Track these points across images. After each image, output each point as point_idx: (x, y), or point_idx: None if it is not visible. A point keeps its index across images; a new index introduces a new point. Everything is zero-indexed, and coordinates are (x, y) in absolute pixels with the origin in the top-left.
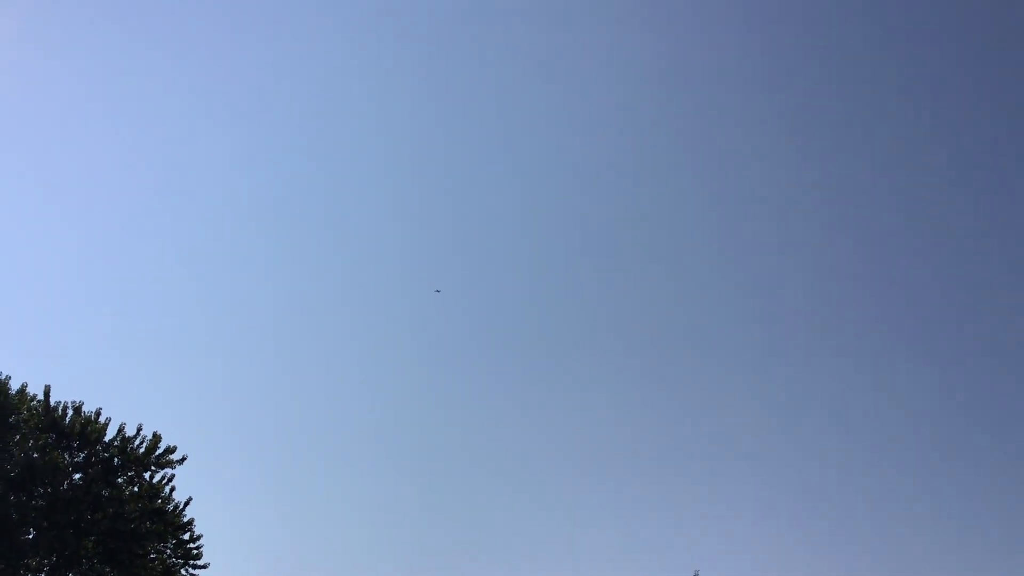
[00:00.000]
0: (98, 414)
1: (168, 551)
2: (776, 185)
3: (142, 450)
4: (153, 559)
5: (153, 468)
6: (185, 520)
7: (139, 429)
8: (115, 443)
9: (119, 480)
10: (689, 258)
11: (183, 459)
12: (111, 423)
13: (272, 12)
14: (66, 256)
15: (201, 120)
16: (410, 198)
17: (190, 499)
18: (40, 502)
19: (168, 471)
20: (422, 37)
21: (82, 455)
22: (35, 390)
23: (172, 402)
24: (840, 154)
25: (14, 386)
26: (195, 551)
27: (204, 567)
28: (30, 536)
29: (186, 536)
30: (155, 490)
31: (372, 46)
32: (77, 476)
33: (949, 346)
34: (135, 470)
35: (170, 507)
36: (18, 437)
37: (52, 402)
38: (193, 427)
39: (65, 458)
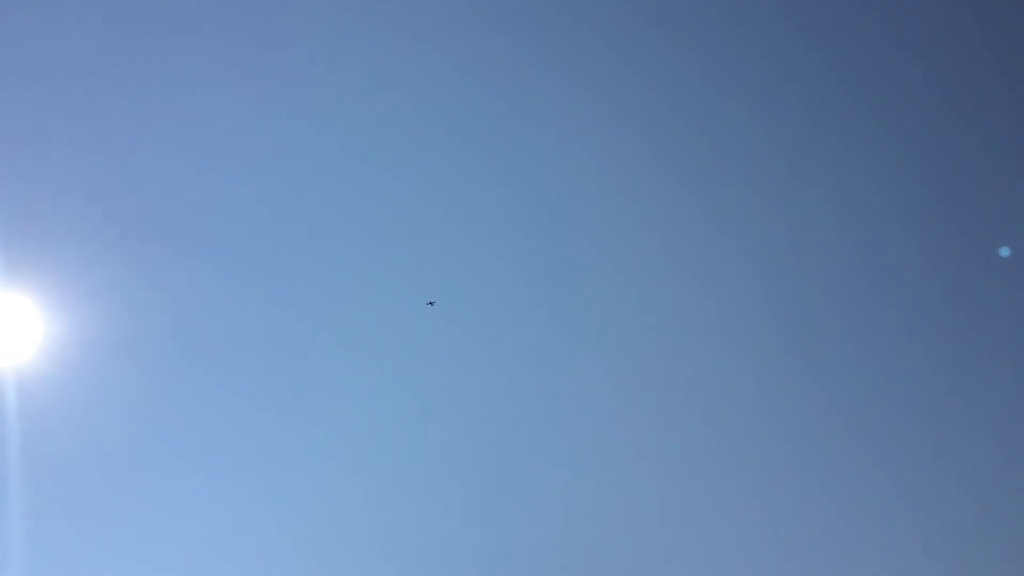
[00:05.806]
0: None
1: None
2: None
3: None
4: None
5: None
6: None
7: None
8: None
9: None
10: (691, 257)
11: None
12: None
13: (269, 11)
14: None
15: (196, 120)
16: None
17: None
18: None
19: None
20: (420, 36)
21: None
22: None
23: None
24: (841, 154)
25: None
26: None
27: None
28: None
29: None
30: None
31: (369, 45)
32: None
33: (951, 344)
34: None
35: None
36: None
37: None
38: None
39: None
